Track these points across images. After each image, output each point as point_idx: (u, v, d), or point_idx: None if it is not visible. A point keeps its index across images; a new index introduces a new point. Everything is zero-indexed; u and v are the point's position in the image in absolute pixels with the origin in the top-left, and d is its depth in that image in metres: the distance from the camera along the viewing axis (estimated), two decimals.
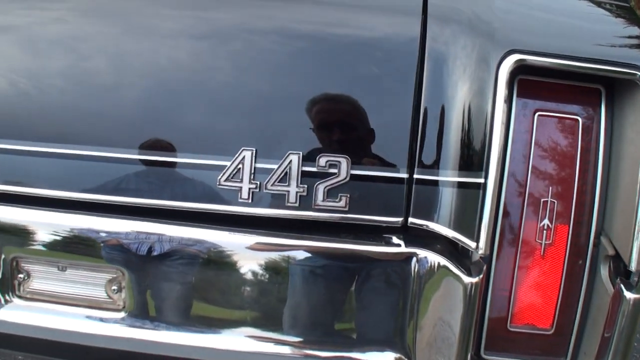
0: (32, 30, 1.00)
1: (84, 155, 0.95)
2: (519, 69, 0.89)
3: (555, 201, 0.93)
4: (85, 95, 0.96)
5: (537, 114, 0.94)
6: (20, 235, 0.98)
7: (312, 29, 0.97)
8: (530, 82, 0.93)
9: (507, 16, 0.96)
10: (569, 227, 0.94)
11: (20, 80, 0.99)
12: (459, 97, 0.92)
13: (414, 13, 0.95)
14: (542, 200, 0.93)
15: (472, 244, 0.88)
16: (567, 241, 0.94)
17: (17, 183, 0.98)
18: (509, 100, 0.90)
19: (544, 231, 0.93)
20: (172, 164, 0.94)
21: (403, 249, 0.93)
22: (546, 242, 0.93)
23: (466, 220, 0.90)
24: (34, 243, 0.98)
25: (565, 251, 0.94)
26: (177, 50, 0.98)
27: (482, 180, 0.88)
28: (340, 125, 0.95)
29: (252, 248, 0.94)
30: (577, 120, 0.94)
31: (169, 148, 0.94)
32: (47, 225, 0.97)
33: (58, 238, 0.97)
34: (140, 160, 0.94)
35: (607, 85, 0.94)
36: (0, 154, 0.97)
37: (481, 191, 0.88)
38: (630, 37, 0.96)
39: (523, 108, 0.94)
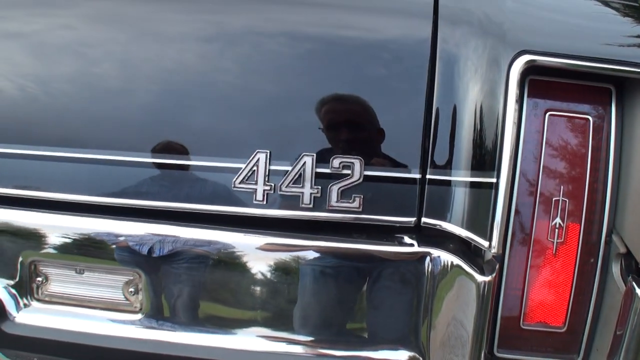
0: (43, 36, 1.02)
1: (100, 160, 0.96)
2: (530, 70, 0.90)
3: (567, 200, 0.94)
4: (102, 100, 0.98)
5: (548, 113, 0.95)
6: (38, 239, 1.00)
7: (325, 31, 0.98)
8: (540, 82, 0.94)
9: (517, 17, 0.96)
10: (581, 225, 0.94)
11: (36, 87, 1.01)
12: (471, 97, 0.93)
13: (425, 15, 0.96)
14: (553, 199, 0.94)
15: (485, 243, 0.89)
16: (578, 239, 0.94)
17: (35, 188, 1.00)
18: (520, 101, 0.91)
19: (556, 230, 0.94)
20: (187, 167, 0.95)
21: (416, 248, 0.93)
22: (558, 241, 0.94)
23: (479, 220, 0.91)
24: (52, 246, 0.99)
25: (577, 249, 0.94)
26: (191, 53, 0.99)
27: (494, 180, 0.89)
28: (353, 126, 0.96)
29: (267, 249, 0.95)
30: (588, 119, 0.95)
31: (183, 151, 0.95)
32: (64, 229, 0.98)
33: (75, 241, 0.98)
34: (156, 163, 0.95)
35: (618, 84, 0.94)
36: (19, 159, 0.98)
37: (493, 191, 0.89)
38: (639, 36, 0.97)
39: (534, 108, 0.95)
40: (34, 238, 1.00)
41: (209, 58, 0.99)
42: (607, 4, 1.06)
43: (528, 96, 0.94)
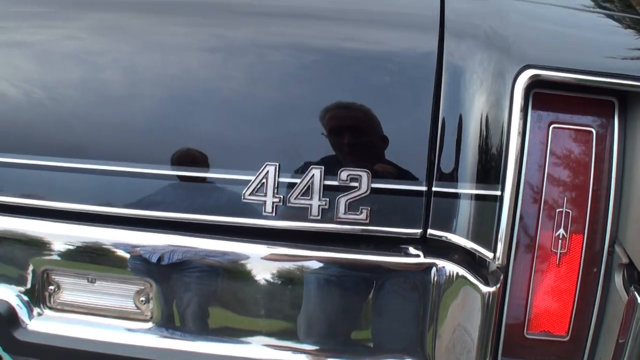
0: (50, 46, 1.04)
1: (112, 171, 0.98)
2: (534, 83, 0.92)
3: (570, 211, 0.96)
4: (114, 113, 1.00)
5: (552, 126, 0.96)
6: (50, 248, 1.01)
7: (333, 44, 1.00)
8: (545, 95, 0.96)
9: (521, 30, 0.98)
10: (584, 236, 0.96)
11: (53, 99, 1.03)
12: (476, 110, 0.95)
13: (432, 28, 0.97)
14: (557, 210, 0.96)
15: (490, 255, 0.91)
16: (581, 250, 0.96)
17: (47, 197, 1.01)
18: (524, 114, 0.93)
19: (560, 240, 0.96)
20: (198, 179, 0.97)
21: (422, 259, 0.95)
22: (561, 251, 0.96)
23: (484, 232, 0.92)
24: (64, 255, 1.01)
25: (580, 260, 0.96)
26: (201, 65, 1.01)
27: (499, 193, 0.91)
28: (360, 139, 0.98)
29: (276, 259, 0.97)
30: (591, 131, 0.96)
31: (194, 163, 0.97)
32: (76, 238, 1.00)
33: (87, 251, 1.00)
34: (167, 175, 0.97)
35: (621, 97, 0.96)
36: (33, 169, 1.00)
37: (498, 203, 0.91)
38: None
39: (538, 120, 0.97)
40: (46, 247, 1.02)
41: (219, 71, 1.00)
42: (610, 16, 1.07)
43: (532, 109, 0.96)
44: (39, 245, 1.02)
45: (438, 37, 0.97)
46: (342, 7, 1.04)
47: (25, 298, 1.05)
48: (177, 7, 1.05)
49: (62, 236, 1.01)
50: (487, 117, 0.94)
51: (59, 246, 1.01)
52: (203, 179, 0.97)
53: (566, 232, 0.96)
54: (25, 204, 1.02)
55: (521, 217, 0.95)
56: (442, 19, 0.99)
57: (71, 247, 1.01)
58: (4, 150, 1.01)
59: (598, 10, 1.09)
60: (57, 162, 1.00)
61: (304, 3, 1.06)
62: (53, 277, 1.03)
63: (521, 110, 0.91)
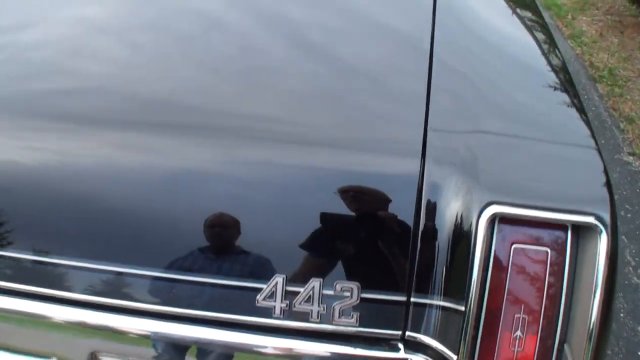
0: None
1: (159, 277, 1.22)
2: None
3: (527, 317, 1.16)
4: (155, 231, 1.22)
5: (513, 245, 1.16)
6: (99, 335, 1.26)
7: (322, 170, 1.20)
8: (509, 217, 1.14)
9: (490, 162, 1.17)
10: (537, 337, 1.16)
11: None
12: (447, 229, 1.14)
13: (414, 154, 1.17)
14: (515, 315, 1.16)
15: (454, 357, 1.12)
16: (535, 348, 1.16)
17: (102, 295, 1.26)
18: (488, 237, 1.12)
19: (517, 340, 1.16)
20: (223, 286, 1.20)
21: (402, 354, 1.17)
22: (518, 350, 1.17)
23: (450, 336, 1.14)
24: (110, 342, 1.26)
25: (534, 357, 1.17)
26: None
27: (463, 308, 1.11)
28: (352, 256, 1.19)
29: (284, 351, 1.20)
30: (547, 251, 1.15)
31: (221, 273, 1.19)
32: (122, 328, 1.24)
33: (131, 339, 1.25)
34: (198, 282, 1.20)
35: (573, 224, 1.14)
36: (90, 272, 1.24)
37: (463, 315, 1.12)
38: (591, 183, 1.16)
39: (502, 240, 1.16)
40: (95, 335, 1.26)
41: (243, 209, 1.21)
42: (570, 145, 1.24)
43: (497, 231, 1.15)
44: (89, 333, 1.26)
45: (420, 160, 1.17)
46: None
47: None
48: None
49: (108, 326, 1.24)
50: (455, 236, 1.14)
51: (106, 334, 1.25)
52: (227, 286, 1.20)
53: (522, 334, 1.16)
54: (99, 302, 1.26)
55: (484, 323, 1.15)
56: (425, 145, 1.18)
57: (116, 336, 1.24)
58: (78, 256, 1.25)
59: (560, 141, 1.26)
60: (105, 265, 1.23)
61: (295, 129, 1.26)
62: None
63: (484, 236, 1.10)
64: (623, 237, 3.65)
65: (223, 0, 1.77)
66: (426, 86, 1.33)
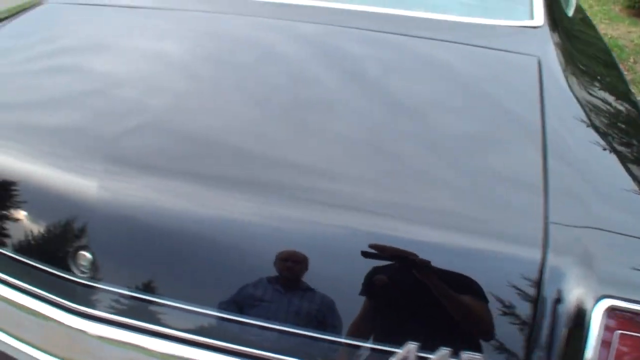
0: None
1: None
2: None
3: None
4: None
5: (619, 331, 1.30)
6: None
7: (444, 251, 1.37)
8: (620, 308, 1.29)
9: (610, 257, 1.32)
10: None
11: None
12: (563, 312, 1.30)
13: (535, 244, 1.33)
14: None
15: None
16: None
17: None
18: (602, 326, 1.27)
19: None
20: (356, 346, 1.36)
21: None
22: None
23: None
24: None
25: None
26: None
27: None
28: (477, 328, 1.35)
29: None
30: None
31: (356, 335, 1.36)
32: None
33: None
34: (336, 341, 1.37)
35: None
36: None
37: None
38: None
39: (607, 329, 1.31)
40: None
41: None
42: None
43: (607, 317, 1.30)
44: None
45: (541, 251, 1.33)
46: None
47: None
48: None
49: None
50: (571, 320, 1.29)
51: None
52: (364, 348, 1.36)
53: None
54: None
55: None
56: (547, 236, 1.34)
57: None
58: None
59: None
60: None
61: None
62: None
63: (600, 328, 1.26)
64: None
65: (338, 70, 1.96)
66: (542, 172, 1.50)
